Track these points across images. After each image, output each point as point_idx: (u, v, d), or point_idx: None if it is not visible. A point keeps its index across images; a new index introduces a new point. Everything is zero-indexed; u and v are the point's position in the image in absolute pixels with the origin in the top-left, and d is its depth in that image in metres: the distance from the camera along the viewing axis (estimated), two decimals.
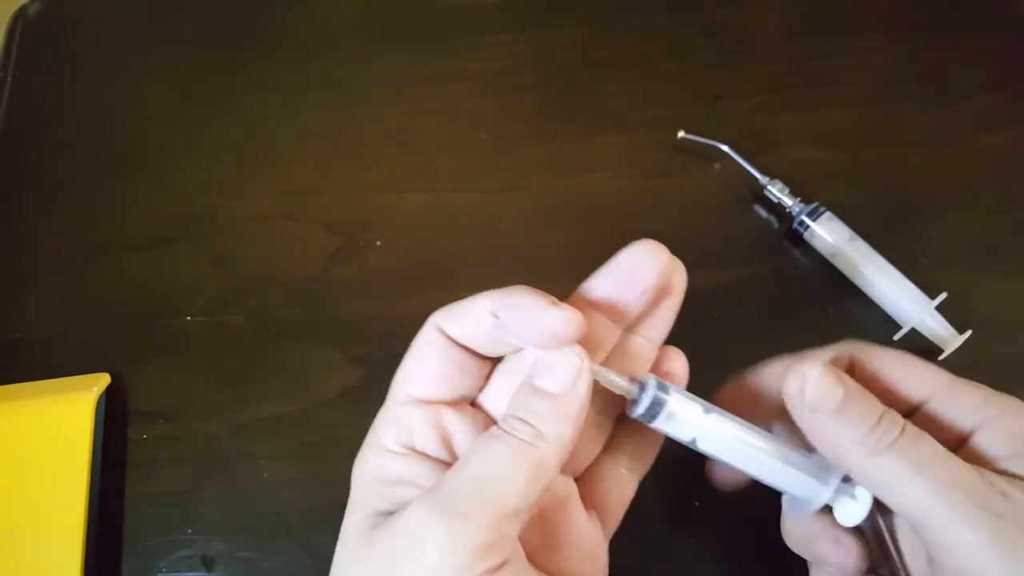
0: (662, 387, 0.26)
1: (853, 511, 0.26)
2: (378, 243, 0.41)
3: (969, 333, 0.36)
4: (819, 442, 0.25)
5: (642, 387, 0.26)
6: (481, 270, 0.40)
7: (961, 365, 0.36)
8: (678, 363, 0.29)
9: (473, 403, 0.27)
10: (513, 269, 0.40)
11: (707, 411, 0.26)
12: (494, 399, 0.26)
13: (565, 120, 0.44)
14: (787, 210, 0.39)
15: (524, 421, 0.23)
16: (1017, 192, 0.41)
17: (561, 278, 0.39)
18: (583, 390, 0.24)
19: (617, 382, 0.25)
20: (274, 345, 0.39)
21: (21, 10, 0.50)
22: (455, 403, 0.26)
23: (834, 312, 0.38)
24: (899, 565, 0.26)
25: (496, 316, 0.24)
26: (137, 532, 0.35)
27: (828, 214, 0.38)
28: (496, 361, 0.27)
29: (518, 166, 0.43)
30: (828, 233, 0.38)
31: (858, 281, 0.38)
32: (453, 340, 0.25)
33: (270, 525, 0.35)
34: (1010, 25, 0.46)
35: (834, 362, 0.28)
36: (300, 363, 0.38)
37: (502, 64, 0.46)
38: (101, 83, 0.47)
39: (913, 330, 0.36)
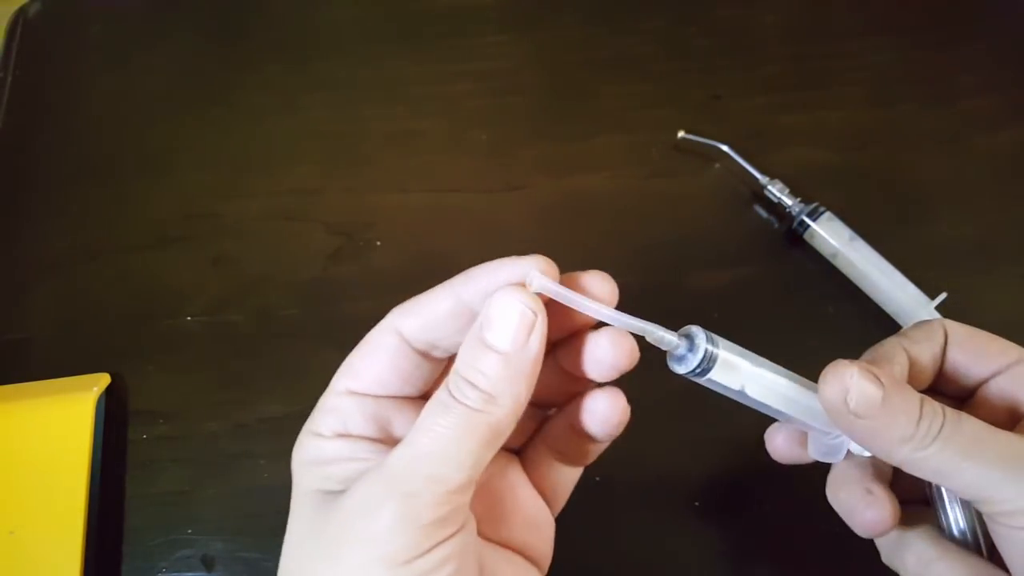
0: (711, 339, 0.25)
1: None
2: (378, 243, 0.41)
3: None
4: (867, 444, 0.25)
5: (690, 342, 0.25)
6: None
7: None
8: (606, 285, 0.26)
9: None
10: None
11: (752, 360, 0.26)
12: None
13: (565, 120, 0.44)
14: (787, 210, 0.39)
15: (473, 385, 0.21)
16: (1017, 192, 0.41)
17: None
18: (536, 347, 0.22)
19: (664, 337, 0.24)
20: (274, 345, 0.39)
21: (21, 10, 0.50)
22: (399, 399, 0.26)
23: (834, 312, 0.38)
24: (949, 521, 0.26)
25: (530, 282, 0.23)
26: (137, 532, 0.35)
27: (828, 214, 0.38)
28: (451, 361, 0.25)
29: (518, 166, 0.43)
30: (828, 233, 0.38)
31: (858, 281, 0.38)
32: (408, 340, 0.25)
33: (270, 525, 0.34)
34: (1010, 25, 0.46)
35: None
36: (300, 363, 0.38)
37: (502, 64, 0.46)
38: (101, 83, 0.47)
39: None
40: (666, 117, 0.43)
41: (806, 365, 0.37)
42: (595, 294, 0.25)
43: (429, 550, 0.21)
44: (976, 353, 0.27)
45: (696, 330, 0.25)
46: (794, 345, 0.38)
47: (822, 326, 0.38)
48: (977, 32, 0.46)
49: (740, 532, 0.34)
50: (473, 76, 0.46)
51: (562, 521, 0.33)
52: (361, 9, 0.49)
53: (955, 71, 0.44)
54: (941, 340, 0.28)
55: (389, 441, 0.25)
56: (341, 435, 0.25)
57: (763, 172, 0.40)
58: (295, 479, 0.25)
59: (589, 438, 0.26)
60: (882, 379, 0.24)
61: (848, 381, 0.24)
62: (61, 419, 0.35)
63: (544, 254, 0.42)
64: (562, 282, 0.24)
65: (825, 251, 0.39)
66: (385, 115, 0.45)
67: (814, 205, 0.39)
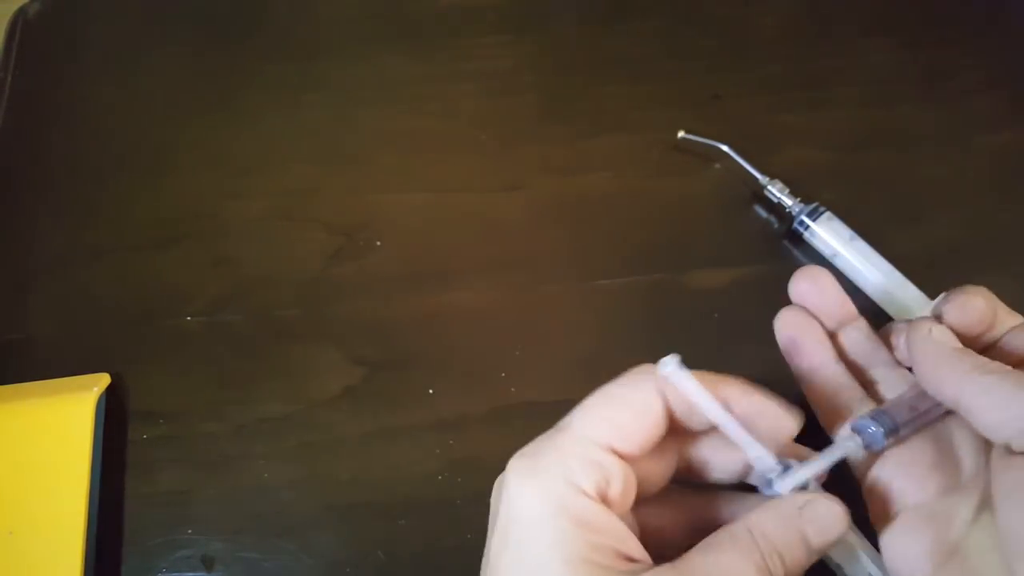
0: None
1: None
2: (378, 243, 0.41)
3: None
4: (933, 374, 0.27)
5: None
6: (481, 270, 0.40)
7: None
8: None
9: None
10: (513, 269, 0.40)
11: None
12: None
13: (565, 120, 0.44)
14: (787, 210, 0.39)
15: (784, 563, 0.23)
16: (1017, 192, 0.41)
17: (561, 278, 0.40)
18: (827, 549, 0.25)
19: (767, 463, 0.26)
20: (274, 345, 0.39)
21: (21, 10, 0.50)
22: (633, 460, 0.25)
23: None
24: None
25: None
26: (137, 532, 0.35)
27: (828, 214, 0.38)
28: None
29: (518, 166, 0.43)
30: (828, 233, 0.38)
31: (858, 281, 0.38)
32: (665, 408, 0.25)
33: (270, 525, 0.35)
34: (1010, 25, 0.46)
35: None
36: (300, 363, 0.38)
37: (502, 64, 0.46)
38: (101, 83, 0.47)
39: None
40: (666, 117, 0.43)
41: None
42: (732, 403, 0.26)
43: None
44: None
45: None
46: None
47: None
48: (977, 32, 0.46)
49: None
50: (473, 76, 0.46)
51: None
52: (361, 9, 0.49)
53: (955, 71, 0.44)
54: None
55: (622, 509, 0.25)
56: (603, 498, 0.24)
57: (763, 172, 0.40)
58: (542, 523, 0.23)
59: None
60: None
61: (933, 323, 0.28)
62: (61, 419, 0.35)
63: (544, 254, 0.42)
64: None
65: (825, 251, 0.39)
66: (385, 115, 0.45)
67: (814, 205, 0.39)
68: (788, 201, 0.39)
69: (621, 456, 0.24)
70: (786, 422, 0.26)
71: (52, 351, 0.39)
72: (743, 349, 0.38)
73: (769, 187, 0.40)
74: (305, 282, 0.40)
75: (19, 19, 0.49)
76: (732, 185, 0.42)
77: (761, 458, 0.26)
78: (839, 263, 0.38)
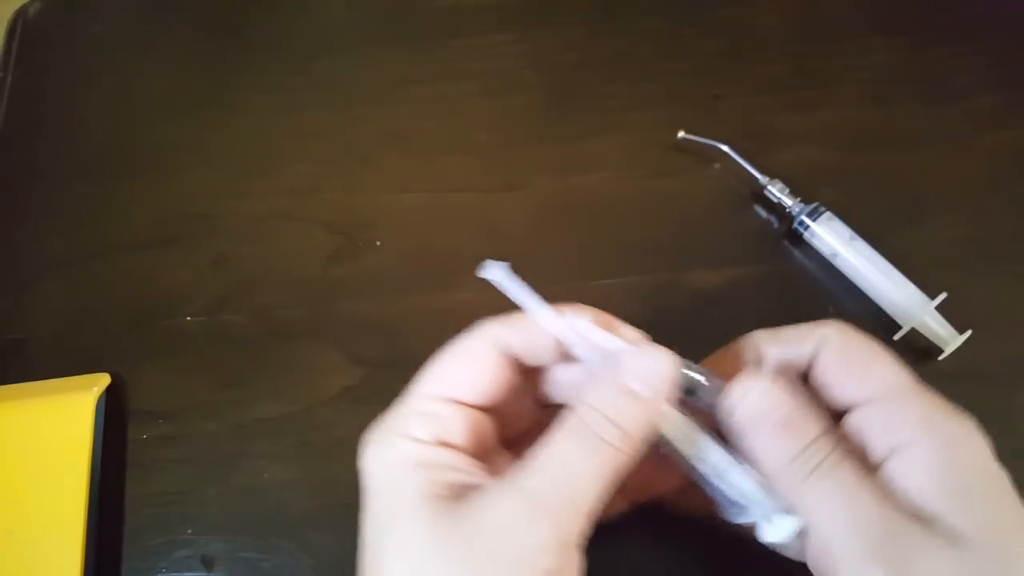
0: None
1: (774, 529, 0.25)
2: (378, 243, 0.41)
3: (969, 333, 0.36)
4: (756, 455, 0.25)
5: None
6: None
7: (961, 365, 0.36)
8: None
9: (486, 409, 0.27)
10: (513, 269, 0.40)
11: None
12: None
13: (565, 120, 0.44)
14: (787, 210, 0.39)
15: (613, 423, 0.23)
16: (1017, 192, 0.41)
17: (561, 278, 0.40)
18: (667, 396, 0.24)
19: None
20: (274, 345, 0.39)
21: (21, 10, 0.50)
22: (482, 408, 0.26)
23: (834, 312, 0.38)
24: None
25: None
26: (137, 532, 0.35)
27: (828, 214, 0.38)
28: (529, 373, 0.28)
29: (518, 166, 0.43)
30: (828, 233, 0.38)
31: (858, 281, 0.38)
32: (505, 353, 0.26)
33: (270, 525, 0.35)
34: (1010, 25, 0.46)
35: (797, 348, 0.27)
36: (300, 363, 0.38)
37: (502, 64, 0.46)
38: (101, 83, 0.47)
39: (913, 330, 0.36)
40: (666, 117, 0.43)
41: None
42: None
43: (565, 567, 0.22)
44: (848, 372, 0.26)
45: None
46: None
47: None
48: (977, 32, 0.46)
49: (740, 533, 0.34)
50: (473, 76, 0.46)
51: None
52: (361, 9, 0.49)
53: (955, 71, 0.44)
54: (811, 347, 0.27)
55: (483, 456, 0.25)
56: (443, 443, 0.25)
57: (763, 172, 0.40)
58: (382, 481, 0.25)
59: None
60: (790, 400, 0.25)
61: (754, 387, 0.25)
62: (61, 419, 0.35)
63: (544, 254, 0.42)
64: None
65: (825, 251, 0.39)
66: (385, 115, 0.45)
67: (814, 205, 0.39)
68: (788, 201, 0.39)
69: (467, 404, 0.25)
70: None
71: (52, 351, 0.39)
72: None
73: (769, 187, 0.40)
74: (305, 282, 0.40)
75: (19, 19, 0.49)
76: (732, 185, 0.41)
77: (579, 330, 0.25)
78: (839, 263, 0.38)
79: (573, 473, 0.23)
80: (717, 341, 0.38)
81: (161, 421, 0.37)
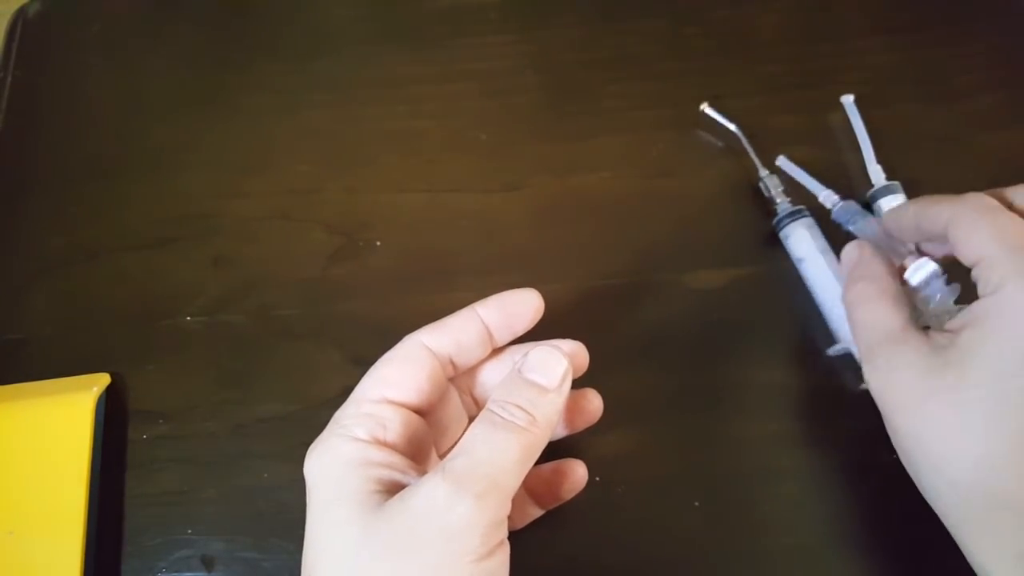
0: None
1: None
2: (378, 243, 0.41)
3: None
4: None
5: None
6: (481, 270, 0.40)
7: None
8: (596, 401, 0.33)
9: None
10: (513, 269, 0.40)
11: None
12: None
13: (565, 120, 0.44)
14: (774, 207, 0.39)
15: (521, 408, 0.26)
16: None
17: (561, 278, 0.40)
18: (567, 388, 0.27)
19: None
20: (274, 345, 0.39)
21: (21, 10, 0.50)
22: (418, 410, 0.29)
23: None
24: None
25: None
26: (137, 532, 0.35)
27: (809, 220, 0.38)
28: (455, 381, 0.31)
29: (518, 166, 0.43)
30: (797, 239, 0.38)
31: (815, 291, 0.38)
32: (434, 354, 0.29)
33: (270, 525, 0.35)
34: (1010, 25, 0.46)
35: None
36: (300, 363, 0.38)
37: (502, 64, 0.46)
38: (101, 83, 0.47)
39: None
40: (666, 117, 0.43)
41: (808, 364, 0.37)
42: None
43: (493, 551, 0.24)
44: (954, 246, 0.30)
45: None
46: (795, 344, 0.38)
47: (821, 325, 0.38)
48: (977, 31, 0.46)
49: (741, 533, 0.34)
50: (473, 76, 0.46)
51: (562, 520, 0.33)
52: (361, 9, 0.49)
53: (955, 71, 0.44)
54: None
55: (420, 461, 0.28)
56: (380, 442, 0.27)
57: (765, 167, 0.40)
58: (324, 482, 0.26)
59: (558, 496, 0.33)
60: None
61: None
62: (61, 419, 0.35)
63: (544, 254, 0.42)
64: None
65: (795, 254, 0.39)
66: (385, 115, 0.45)
67: (798, 208, 0.39)
68: (777, 199, 0.39)
69: (403, 404, 0.28)
70: (528, 295, 0.30)
71: (52, 351, 0.39)
72: (743, 349, 0.38)
73: (765, 180, 0.40)
74: (305, 282, 0.40)
75: (19, 19, 0.49)
76: (732, 185, 0.42)
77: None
78: (803, 269, 0.38)
79: (491, 452, 0.25)
80: (717, 341, 0.38)
81: (161, 421, 0.37)
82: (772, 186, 0.39)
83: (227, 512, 0.35)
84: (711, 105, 0.42)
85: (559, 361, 0.27)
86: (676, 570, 0.34)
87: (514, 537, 0.26)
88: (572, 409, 0.32)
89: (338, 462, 0.26)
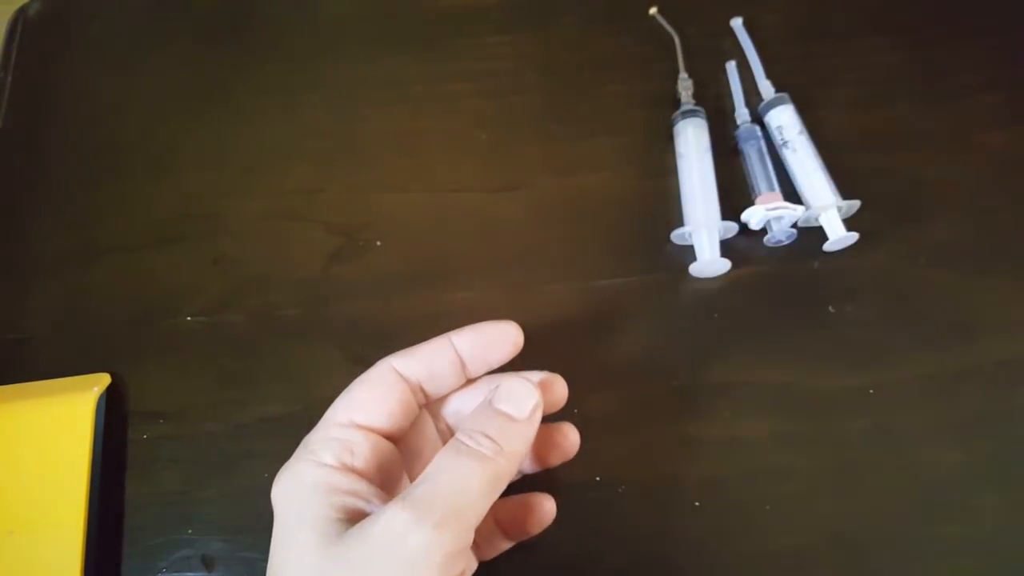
0: None
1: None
2: (378, 243, 0.41)
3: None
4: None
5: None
6: (481, 270, 0.40)
7: (961, 365, 0.36)
8: (572, 436, 0.32)
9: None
10: (513, 269, 0.40)
11: None
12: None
13: (565, 120, 0.44)
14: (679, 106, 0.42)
15: (489, 437, 0.26)
16: (1017, 192, 0.41)
17: (560, 278, 0.40)
18: (537, 420, 0.27)
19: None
20: (274, 345, 0.39)
21: (21, 10, 0.50)
22: (388, 435, 0.28)
23: (834, 312, 0.38)
24: None
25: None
26: (137, 532, 0.35)
27: (699, 120, 0.41)
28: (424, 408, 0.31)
29: (518, 166, 0.43)
30: (681, 136, 0.41)
31: (684, 186, 0.41)
32: (405, 380, 0.29)
33: (270, 525, 0.35)
34: (1011, 25, 0.46)
35: None
36: (300, 363, 0.38)
37: (502, 64, 0.46)
38: (101, 83, 0.47)
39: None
40: (666, 117, 0.43)
41: (805, 363, 0.37)
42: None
43: None
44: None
45: None
46: (794, 344, 0.38)
47: (821, 325, 0.38)
48: (978, 31, 0.46)
49: (741, 533, 0.34)
50: (473, 76, 0.46)
51: (562, 520, 0.33)
52: (361, 9, 0.49)
53: (955, 71, 0.44)
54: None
55: (389, 488, 0.27)
56: (348, 468, 0.26)
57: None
58: (289, 508, 0.26)
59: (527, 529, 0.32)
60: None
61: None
62: (61, 419, 0.35)
63: (544, 254, 0.42)
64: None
65: (678, 149, 0.41)
66: (385, 115, 0.45)
67: (695, 107, 0.42)
68: (683, 99, 0.42)
69: (370, 429, 0.28)
70: (507, 327, 0.30)
71: (52, 351, 0.39)
72: (743, 348, 0.38)
73: (681, 82, 0.43)
74: (305, 282, 0.40)
75: (19, 19, 0.50)
76: (732, 185, 0.42)
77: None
78: (680, 165, 0.41)
79: (454, 480, 0.24)
80: (717, 341, 0.38)
81: (161, 421, 0.37)
82: (684, 88, 0.42)
83: (227, 512, 0.35)
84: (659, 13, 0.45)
85: (530, 393, 0.27)
86: (676, 570, 0.34)
87: None
88: (546, 443, 0.32)
89: (303, 488, 0.26)
